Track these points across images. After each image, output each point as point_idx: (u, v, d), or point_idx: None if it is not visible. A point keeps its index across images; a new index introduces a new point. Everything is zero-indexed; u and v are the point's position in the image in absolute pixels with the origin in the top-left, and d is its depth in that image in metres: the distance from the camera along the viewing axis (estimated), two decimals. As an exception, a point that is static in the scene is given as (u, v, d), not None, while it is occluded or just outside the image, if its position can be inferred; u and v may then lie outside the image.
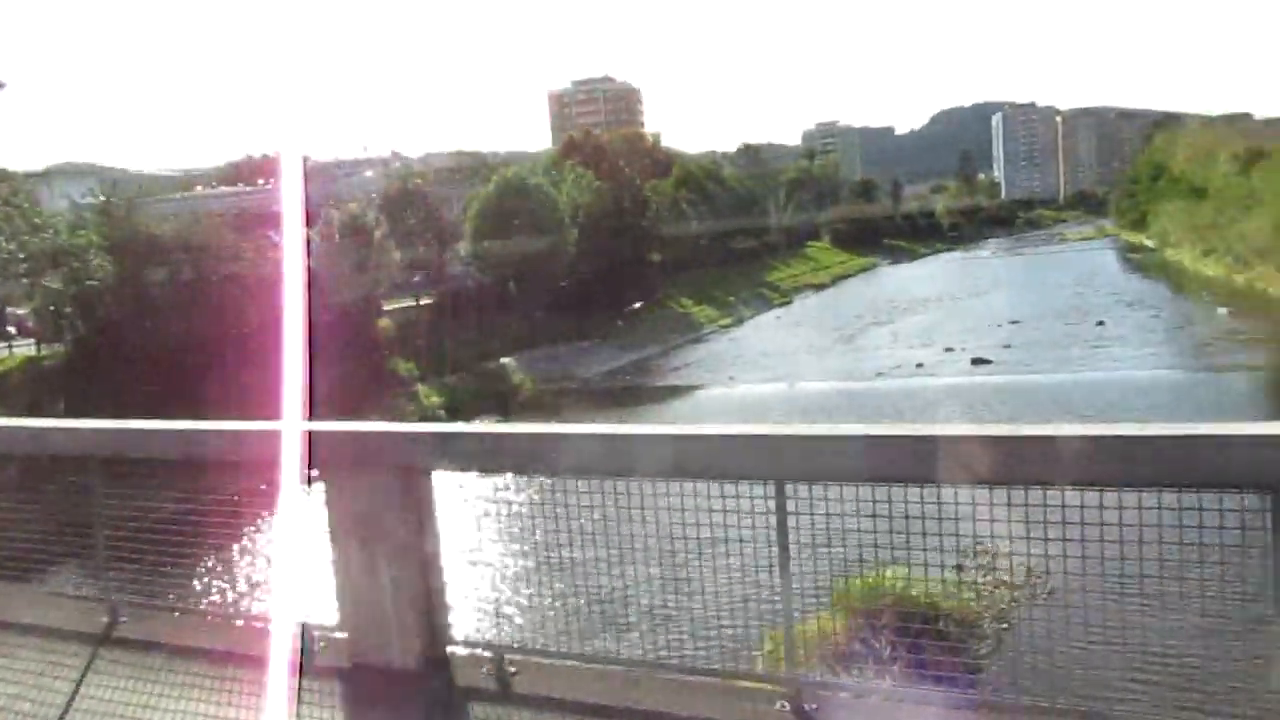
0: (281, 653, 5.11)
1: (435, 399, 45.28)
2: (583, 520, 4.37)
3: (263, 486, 5.18)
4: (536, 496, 4.53)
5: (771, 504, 3.92)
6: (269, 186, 70.60)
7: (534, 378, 50.50)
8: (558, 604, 4.79)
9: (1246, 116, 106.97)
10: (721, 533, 4.10)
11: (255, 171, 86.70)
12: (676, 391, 48.02)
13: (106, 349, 37.15)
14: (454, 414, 43.18)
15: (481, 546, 4.80)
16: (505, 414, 43.66)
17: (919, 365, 44.45)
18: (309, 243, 51.62)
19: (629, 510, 4.27)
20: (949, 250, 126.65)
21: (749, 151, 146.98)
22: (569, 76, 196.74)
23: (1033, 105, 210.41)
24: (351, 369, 41.61)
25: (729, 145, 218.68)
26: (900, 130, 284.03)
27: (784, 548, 3.94)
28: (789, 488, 3.89)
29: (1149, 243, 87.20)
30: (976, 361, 43.43)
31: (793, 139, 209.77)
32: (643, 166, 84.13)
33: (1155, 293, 60.71)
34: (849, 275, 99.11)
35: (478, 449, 4.63)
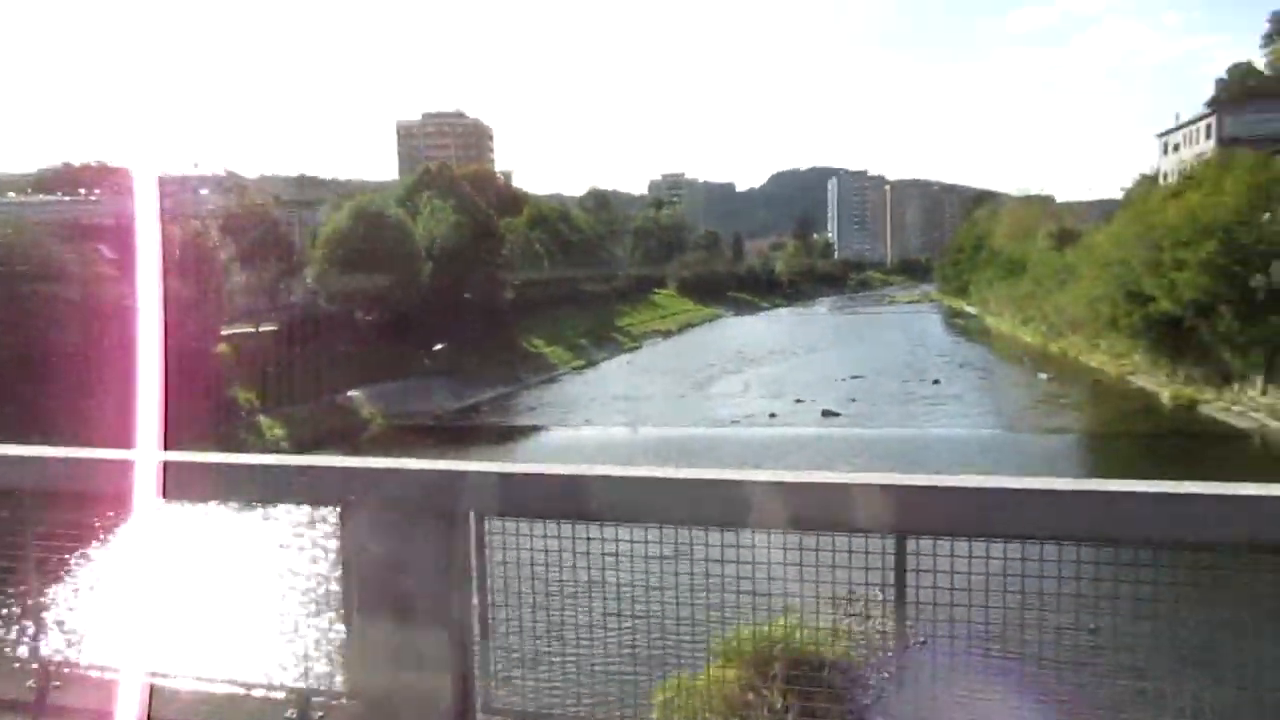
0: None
1: (279, 431, 43.07)
2: (663, 572, 4.16)
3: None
4: (610, 546, 4.25)
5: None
6: (96, 197, 65.88)
7: (384, 412, 48.87)
8: (617, 668, 4.53)
9: (1050, 199, 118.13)
10: (829, 589, 3.99)
11: (75, 180, 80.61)
12: (532, 431, 47.75)
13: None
14: (299, 448, 41.14)
15: (537, 602, 4.48)
16: (354, 449, 42.03)
17: (772, 415, 45.76)
18: (157, 258, 48.38)
19: (718, 563, 4.10)
20: (787, 305, 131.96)
21: (597, 197, 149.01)
22: (419, 108, 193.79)
23: (865, 173, 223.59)
24: (187, 396, 39.03)
25: (574, 189, 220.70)
26: (740, 187, 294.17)
27: (902, 606, 3.88)
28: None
29: (971, 309, 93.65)
30: (826, 414, 45.09)
31: (638, 188, 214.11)
32: (493, 204, 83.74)
33: (981, 356, 65.04)
34: (695, 324, 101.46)
35: (551, 493, 4.35)
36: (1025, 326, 68.90)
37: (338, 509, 4.54)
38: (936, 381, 53.37)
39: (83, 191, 72.70)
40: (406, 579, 4.41)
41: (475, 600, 4.45)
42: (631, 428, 45.39)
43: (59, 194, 75.16)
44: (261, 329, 56.02)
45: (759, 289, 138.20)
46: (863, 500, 3.91)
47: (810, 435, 41.31)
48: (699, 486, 4.12)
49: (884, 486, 3.91)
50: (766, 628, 4.86)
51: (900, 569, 3.84)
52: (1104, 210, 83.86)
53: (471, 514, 4.35)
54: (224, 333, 51.49)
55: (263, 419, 43.78)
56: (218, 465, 5.13)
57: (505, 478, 4.40)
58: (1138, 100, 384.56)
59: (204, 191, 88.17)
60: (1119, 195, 75.22)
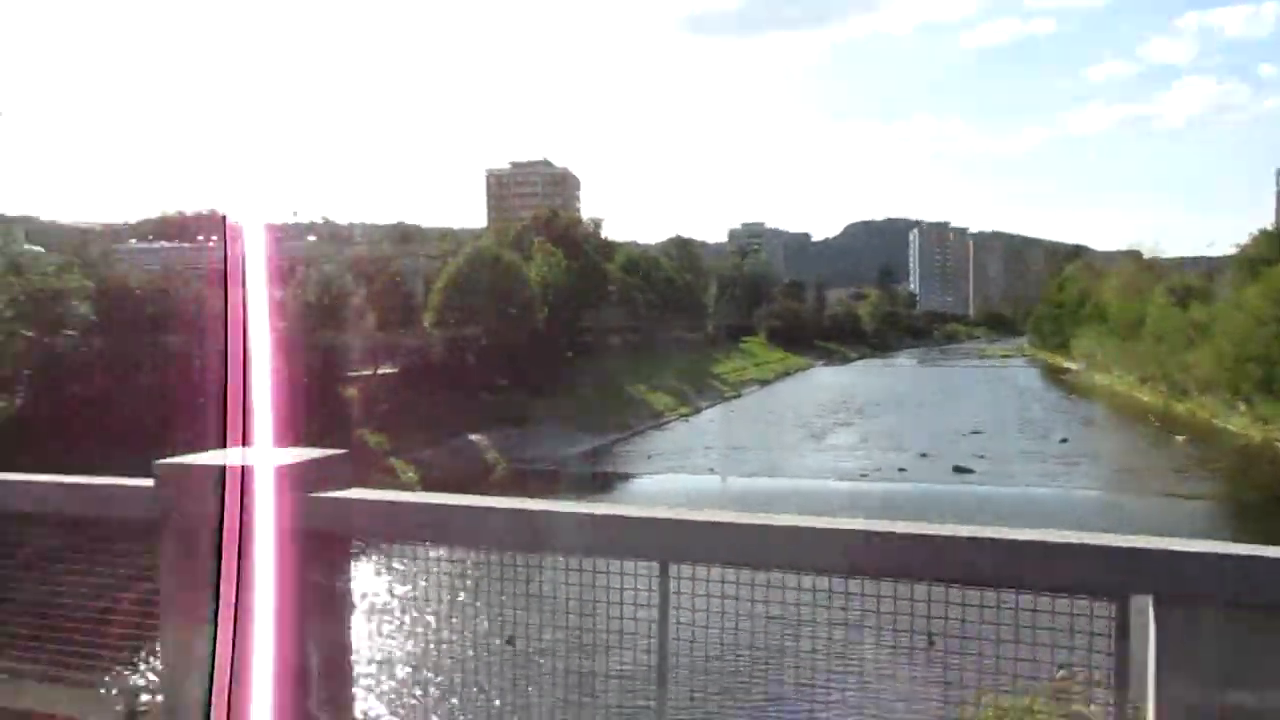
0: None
1: (411, 474, 43.55)
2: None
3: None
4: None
5: None
6: (211, 243, 68.16)
7: (506, 457, 49.21)
8: None
9: (1137, 254, 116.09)
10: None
11: (183, 228, 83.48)
12: (639, 478, 47.76)
13: (75, 401, 34.57)
14: (433, 490, 41.55)
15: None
16: (482, 493, 42.32)
17: (901, 470, 44.95)
18: (280, 304, 49.86)
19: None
20: (874, 356, 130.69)
21: (681, 244, 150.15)
22: (507, 157, 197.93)
23: (947, 225, 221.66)
24: (322, 439, 39.79)
25: (649, 236, 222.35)
26: (816, 237, 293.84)
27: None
28: None
29: (1072, 365, 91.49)
30: (958, 470, 44.14)
31: (713, 235, 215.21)
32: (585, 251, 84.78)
33: (1101, 414, 63.29)
34: (789, 373, 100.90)
35: None
36: (1143, 385, 66.93)
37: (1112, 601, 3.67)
38: (1065, 440, 51.94)
39: (201, 238, 75.41)
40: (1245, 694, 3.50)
41: None
42: (722, 477, 45.48)
43: (177, 241, 78.12)
44: (380, 372, 57.11)
45: (844, 339, 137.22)
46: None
47: (946, 492, 40.37)
48: None
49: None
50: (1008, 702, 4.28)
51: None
52: (1209, 266, 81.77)
53: None
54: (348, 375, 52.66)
55: (395, 461, 44.33)
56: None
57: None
58: (1224, 155, 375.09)
59: (312, 238, 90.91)
60: (1214, 252, 73.33)
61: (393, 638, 4.90)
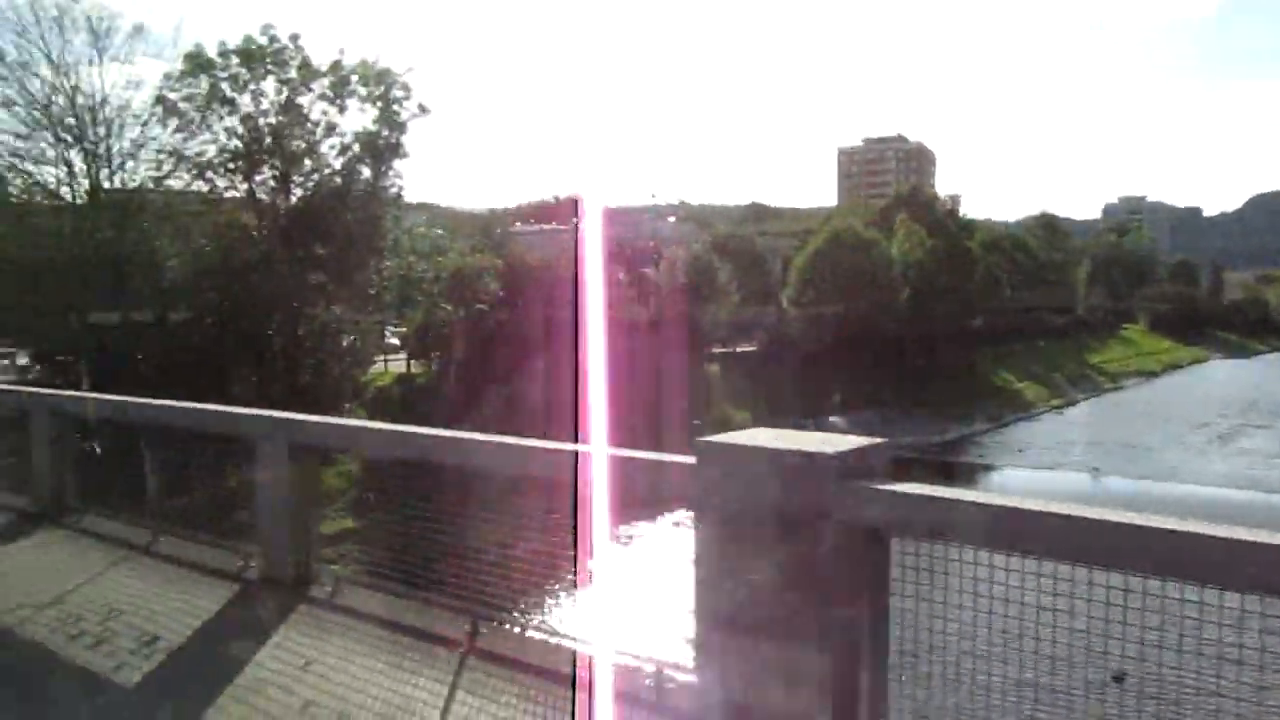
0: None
1: (775, 455, 44.00)
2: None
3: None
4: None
5: None
6: (580, 225, 73.16)
7: (869, 441, 48.29)
8: None
9: None
10: None
11: (556, 212, 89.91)
12: (1026, 474, 44.29)
13: (479, 369, 38.55)
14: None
15: None
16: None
17: (1344, 485, 38.24)
18: (653, 282, 52.40)
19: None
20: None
21: (1046, 221, 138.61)
22: (859, 134, 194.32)
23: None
24: (687, 413, 41.26)
25: (1007, 213, 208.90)
26: (1209, 211, 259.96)
27: None
28: None
29: None
30: None
31: (1082, 212, 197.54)
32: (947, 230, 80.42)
33: None
34: (1179, 366, 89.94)
35: None
36: None
37: None
38: None
39: (574, 220, 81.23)
40: None
41: None
42: (1093, 475, 41.29)
43: (555, 223, 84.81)
44: (739, 350, 58.25)
45: (1247, 329, 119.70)
46: None
47: None
48: None
49: None
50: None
51: None
52: None
53: None
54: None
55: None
56: None
57: None
58: None
59: (671, 219, 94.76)
60: None
61: (959, 660, 4.42)
